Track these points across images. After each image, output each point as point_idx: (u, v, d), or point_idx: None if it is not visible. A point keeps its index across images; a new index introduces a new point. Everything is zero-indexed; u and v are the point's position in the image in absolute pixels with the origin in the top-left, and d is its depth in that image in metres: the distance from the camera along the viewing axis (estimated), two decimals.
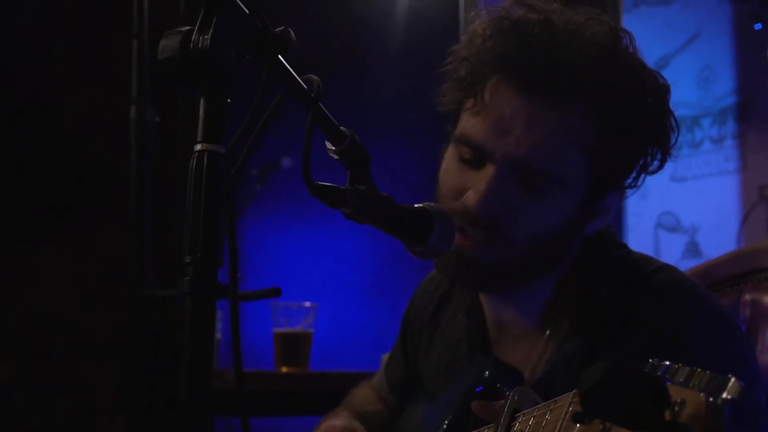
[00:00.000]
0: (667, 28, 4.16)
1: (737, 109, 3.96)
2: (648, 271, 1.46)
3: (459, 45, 1.50)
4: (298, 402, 3.06)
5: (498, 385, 1.39)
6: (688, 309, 1.40)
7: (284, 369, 3.05)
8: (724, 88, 4.01)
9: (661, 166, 1.47)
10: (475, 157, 1.43)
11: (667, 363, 0.91)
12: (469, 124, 1.44)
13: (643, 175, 1.47)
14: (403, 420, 1.71)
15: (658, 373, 0.90)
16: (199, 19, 1.00)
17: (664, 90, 1.45)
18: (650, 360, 0.92)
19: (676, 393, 0.87)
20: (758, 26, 2.70)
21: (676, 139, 1.45)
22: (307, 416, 2.97)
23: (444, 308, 1.69)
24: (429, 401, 1.62)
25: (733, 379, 0.87)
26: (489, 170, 1.40)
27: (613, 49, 1.42)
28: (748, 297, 1.70)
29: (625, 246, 1.54)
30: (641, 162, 1.45)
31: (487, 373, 1.41)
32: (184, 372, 0.95)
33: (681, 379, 0.89)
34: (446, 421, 1.46)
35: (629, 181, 1.48)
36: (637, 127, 1.42)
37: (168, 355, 2.75)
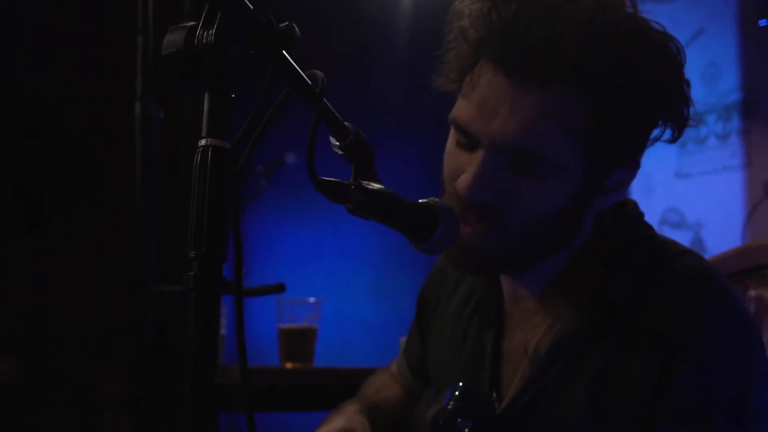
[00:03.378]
0: (671, 25, 4.14)
1: (742, 106, 3.96)
2: (672, 253, 1.43)
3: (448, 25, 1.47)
4: (302, 398, 3.06)
5: (459, 420, 1.39)
6: (703, 299, 1.38)
7: (289, 365, 3.05)
8: (728, 84, 4.00)
9: (680, 133, 1.42)
10: (468, 140, 1.41)
11: None
12: (459, 107, 1.42)
13: (672, 131, 1.41)
14: (418, 407, 1.70)
15: None
16: (204, 14, 1.00)
17: (670, 54, 1.39)
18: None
19: None
20: (763, 23, 2.69)
21: (691, 104, 1.40)
22: (312, 412, 2.98)
23: (460, 287, 1.67)
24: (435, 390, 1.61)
25: None
26: (478, 154, 1.38)
27: (599, 21, 1.34)
28: (753, 293, 1.70)
29: (651, 227, 1.51)
30: (654, 133, 1.41)
31: (451, 404, 1.41)
32: (189, 368, 0.95)
33: None
34: None
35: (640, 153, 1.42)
36: (634, 101, 1.36)
37: (173, 351, 2.75)
